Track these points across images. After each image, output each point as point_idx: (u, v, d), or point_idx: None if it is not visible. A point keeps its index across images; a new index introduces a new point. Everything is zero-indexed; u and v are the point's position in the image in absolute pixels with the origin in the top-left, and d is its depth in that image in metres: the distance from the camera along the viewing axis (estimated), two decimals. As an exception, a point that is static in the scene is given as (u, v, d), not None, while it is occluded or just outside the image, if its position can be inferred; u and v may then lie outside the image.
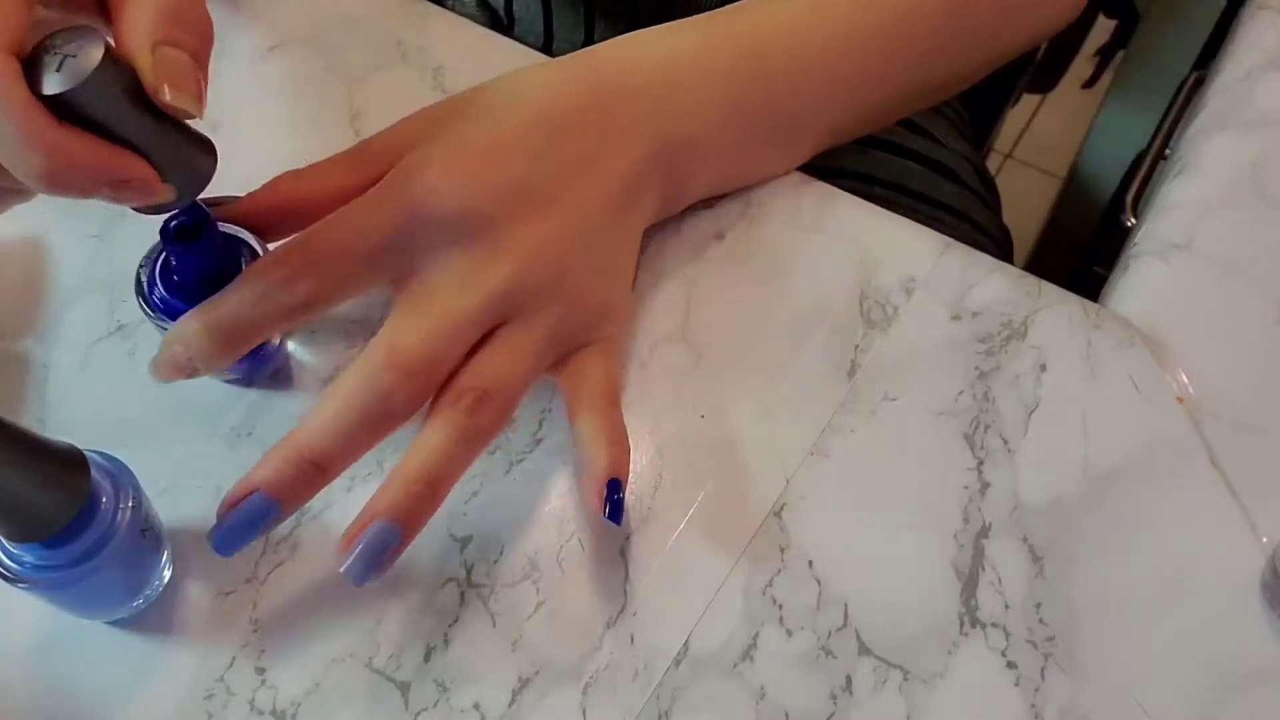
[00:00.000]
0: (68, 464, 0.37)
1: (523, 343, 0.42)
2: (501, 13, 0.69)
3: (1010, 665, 0.42)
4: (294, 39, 0.57)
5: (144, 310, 0.42)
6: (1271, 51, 0.57)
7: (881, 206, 0.52)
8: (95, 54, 0.33)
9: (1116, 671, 0.42)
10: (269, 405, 0.47)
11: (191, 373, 0.41)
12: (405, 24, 0.57)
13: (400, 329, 0.41)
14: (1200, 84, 0.60)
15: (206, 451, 0.46)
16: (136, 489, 0.39)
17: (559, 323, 0.43)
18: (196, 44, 0.34)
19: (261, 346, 0.43)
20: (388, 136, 0.45)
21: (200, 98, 0.34)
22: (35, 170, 0.33)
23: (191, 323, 0.41)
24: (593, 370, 0.44)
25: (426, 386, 0.40)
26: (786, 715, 0.41)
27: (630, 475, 0.46)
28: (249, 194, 0.43)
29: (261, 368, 0.47)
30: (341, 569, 0.39)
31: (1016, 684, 0.42)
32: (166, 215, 0.39)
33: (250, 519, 0.39)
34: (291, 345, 0.48)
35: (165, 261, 0.42)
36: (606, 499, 0.41)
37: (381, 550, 0.39)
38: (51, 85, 0.33)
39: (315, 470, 0.39)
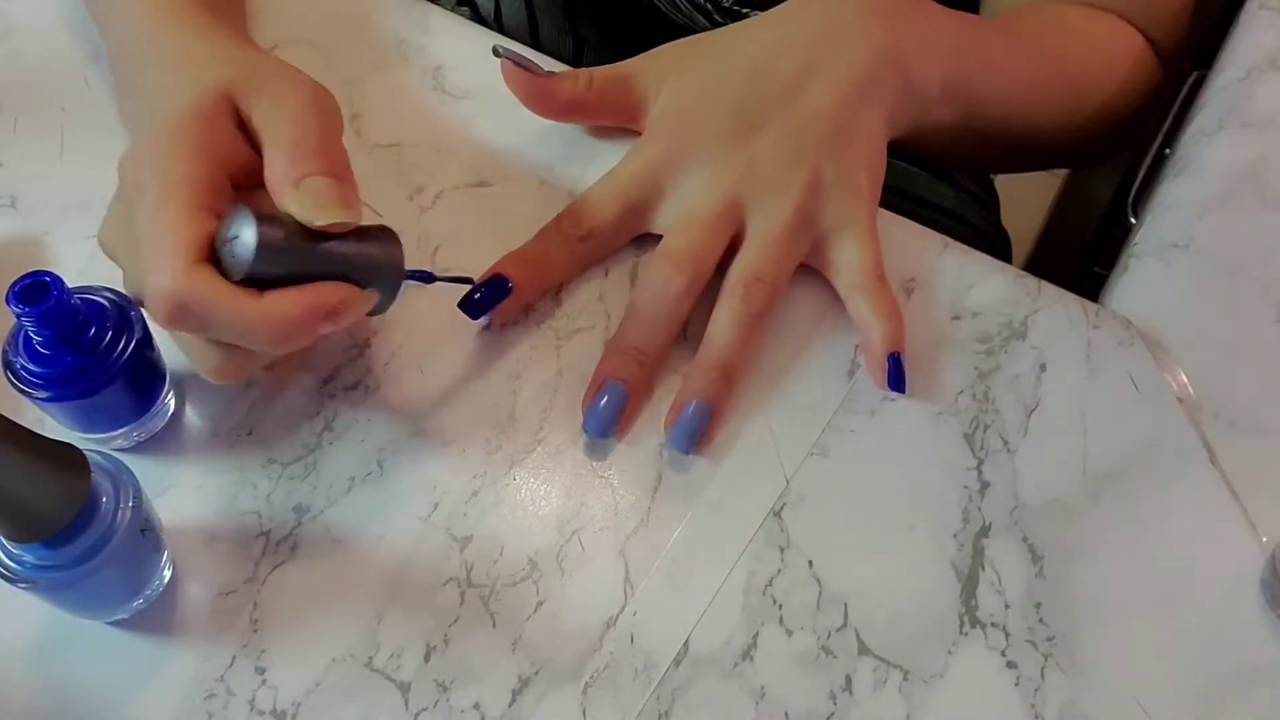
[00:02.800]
0: (68, 464, 0.37)
1: (769, 232, 0.47)
2: (491, 20, 0.69)
3: (1010, 665, 0.42)
4: (294, 39, 0.57)
5: (14, 386, 0.41)
6: (1271, 51, 0.57)
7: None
8: (250, 227, 0.37)
9: (1116, 671, 0.42)
10: (269, 405, 0.47)
11: None
12: (405, 24, 0.57)
13: (667, 241, 0.48)
14: (1200, 84, 0.60)
15: (206, 451, 0.46)
16: (136, 489, 0.39)
17: (798, 211, 0.47)
18: (325, 164, 0.40)
19: None
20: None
21: (346, 203, 0.39)
22: (262, 342, 0.39)
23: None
24: (850, 253, 0.48)
25: (697, 275, 0.47)
26: (786, 715, 0.41)
27: (631, 475, 0.46)
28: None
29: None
30: (668, 442, 0.46)
31: (1016, 684, 0.42)
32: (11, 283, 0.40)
33: (613, 401, 0.46)
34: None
35: (24, 333, 0.42)
36: (889, 371, 0.47)
37: (699, 424, 0.46)
38: (236, 271, 0.38)
39: (642, 357, 0.47)
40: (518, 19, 0.69)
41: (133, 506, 0.39)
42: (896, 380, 0.47)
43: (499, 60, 0.50)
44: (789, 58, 0.49)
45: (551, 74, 0.51)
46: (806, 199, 0.47)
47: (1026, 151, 0.60)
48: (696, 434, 0.46)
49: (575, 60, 0.68)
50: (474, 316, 0.47)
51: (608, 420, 0.46)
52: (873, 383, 0.48)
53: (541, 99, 0.51)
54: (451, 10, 0.63)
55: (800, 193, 0.47)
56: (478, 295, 0.47)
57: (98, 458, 0.39)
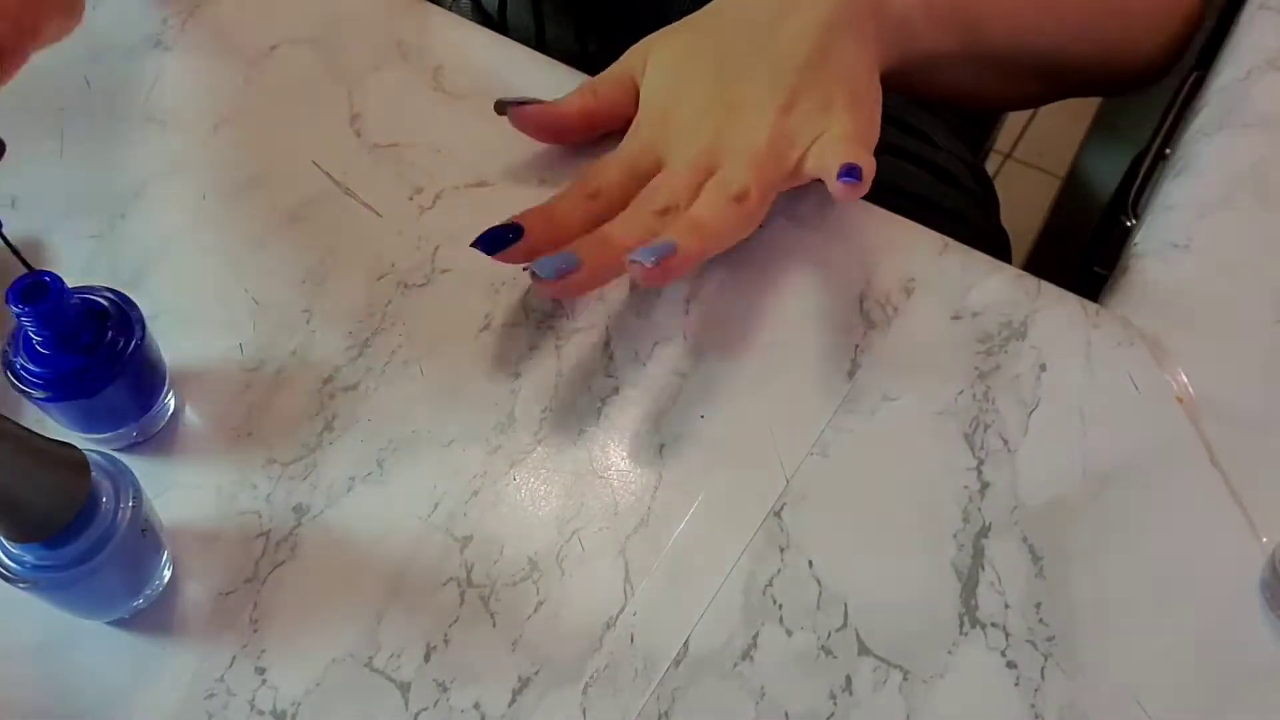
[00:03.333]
0: (68, 464, 0.37)
1: (746, 151, 0.47)
2: (494, 15, 0.69)
3: (1010, 665, 0.42)
4: (294, 39, 0.57)
5: (14, 386, 0.42)
6: (1271, 51, 0.57)
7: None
8: None
9: (1116, 671, 0.42)
10: (269, 405, 0.47)
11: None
12: (405, 24, 0.57)
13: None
14: (1200, 84, 0.60)
15: (206, 451, 0.46)
16: (136, 489, 0.39)
17: (774, 130, 0.48)
18: None
19: None
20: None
21: None
22: None
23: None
24: (832, 150, 0.46)
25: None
26: (786, 715, 0.41)
27: (631, 475, 0.46)
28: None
29: None
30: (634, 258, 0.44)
31: (1016, 684, 0.42)
32: (14, 280, 0.40)
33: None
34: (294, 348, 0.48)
35: (24, 333, 0.41)
36: (841, 172, 0.45)
37: (663, 252, 0.44)
38: None
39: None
40: (522, 19, 0.69)
41: (133, 506, 0.39)
42: (851, 173, 0.45)
43: (506, 114, 0.51)
44: (761, 6, 0.50)
45: (557, 101, 0.51)
46: (781, 120, 0.48)
47: (1052, 78, 0.60)
48: (659, 255, 0.44)
49: (580, 58, 0.68)
50: (485, 251, 0.47)
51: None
52: (864, 388, 0.48)
53: (557, 127, 0.52)
54: (451, 8, 0.63)
55: (775, 114, 0.48)
56: (491, 233, 0.47)
57: (98, 458, 0.39)
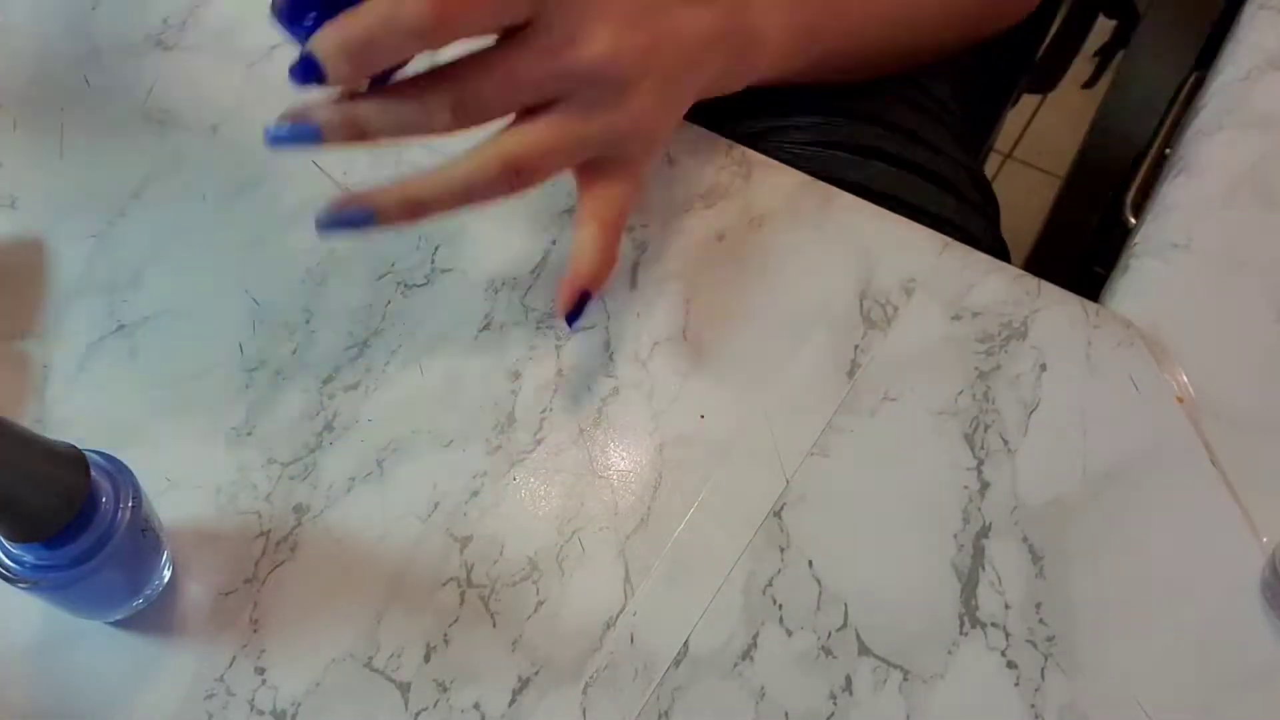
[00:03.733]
0: (68, 464, 0.37)
1: (574, 124, 0.44)
2: None
3: (1010, 665, 0.42)
4: (294, 39, 0.57)
5: (285, 32, 0.42)
6: (1271, 51, 0.57)
7: (881, 208, 0.52)
8: None
9: (1116, 671, 0.42)
10: (269, 405, 0.47)
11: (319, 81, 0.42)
12: (405, 24, 0.57)
13: (503, 56, 0.43)
14: (1200, 84, 0.60)
15: (206, 451, 0.46)
16: (136, 489, 0.39)
17: (612, 124, 0.44)
18: None
19: None
20: None
21: None
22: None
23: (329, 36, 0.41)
24: (617, 188, 0.46)
25: (462, 106, 0.43)
26: (786, 715, 0.41)
27: (631, 475, 0.46)
28: None
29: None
30: None
31: (1016, 684, 0.42)
32: None
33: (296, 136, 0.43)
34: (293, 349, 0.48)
35: None
36: (575, 303, 0.45)
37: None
38: None
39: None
40: None
41: (133, 507, 0.39)
42: (574, 317, 0.45)
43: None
44: None
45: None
46: (626, 117, 0.45)
47: (912, 56, 0.60)
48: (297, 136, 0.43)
49: None
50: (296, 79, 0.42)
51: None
52: (864, 388, 0.48)
53: None
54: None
55: (626, 109, 0.45)
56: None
57: (98, 458, 0.39)
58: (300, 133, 0.43)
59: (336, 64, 0.41)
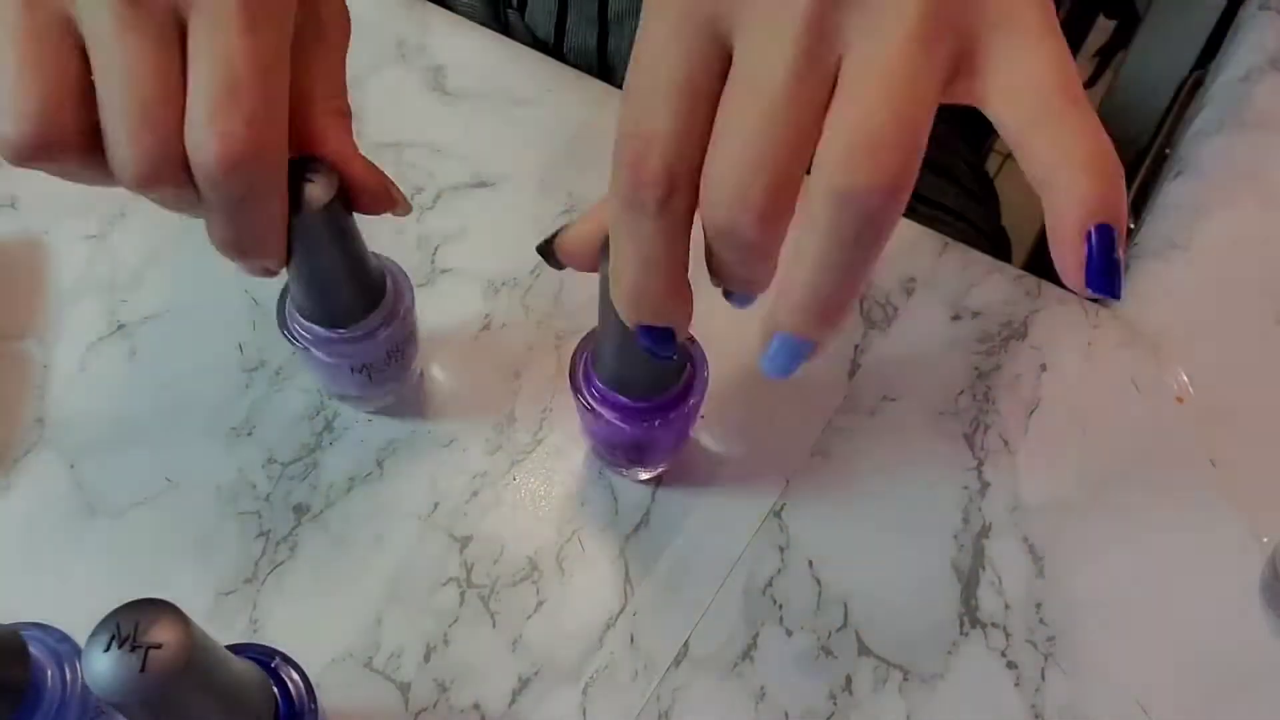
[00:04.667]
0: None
1: (865, 59, 0.27)
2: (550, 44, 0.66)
3: (1010, 665, 0.42)
4: (294, 39, 0.57)
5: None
6: (1271, 51, 0.57)
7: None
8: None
9: (1116, 671, 0.42)
10: (269, 405, 0.47)
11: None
12: (405, 24, 0.57)
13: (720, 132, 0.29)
14: (1200, 84, 0.60)
15: (206, 451, 0.46)
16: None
17: (926, 11, 0.27)
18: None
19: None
20: None
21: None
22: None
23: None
24: (1025, 61, 0.27)
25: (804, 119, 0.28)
26: (786, 715, 0.41)
27: (630, 475, 0.46)
28: None
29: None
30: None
31: (1016, 684, 0.42)
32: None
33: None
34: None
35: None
36: (1089, 255, 0.28)
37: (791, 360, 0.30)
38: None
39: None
40: (582, 40, 0.64)
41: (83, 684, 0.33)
42: (1100, 271, 0.28)
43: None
44: None
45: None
46: None
47: None
48: (789, 370, 0.30)
49: (599, 55, 0.66)
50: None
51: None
52: (864, 388, 0.48)
53: None
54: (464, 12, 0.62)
55: None
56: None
57: (37, 634, 0.34)
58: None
59: (680, 319, 0.32)
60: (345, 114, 0.39)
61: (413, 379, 0.47)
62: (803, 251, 0.28)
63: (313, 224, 0.35)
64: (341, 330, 0.40)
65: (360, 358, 0.41)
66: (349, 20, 0.40)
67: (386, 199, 0.37)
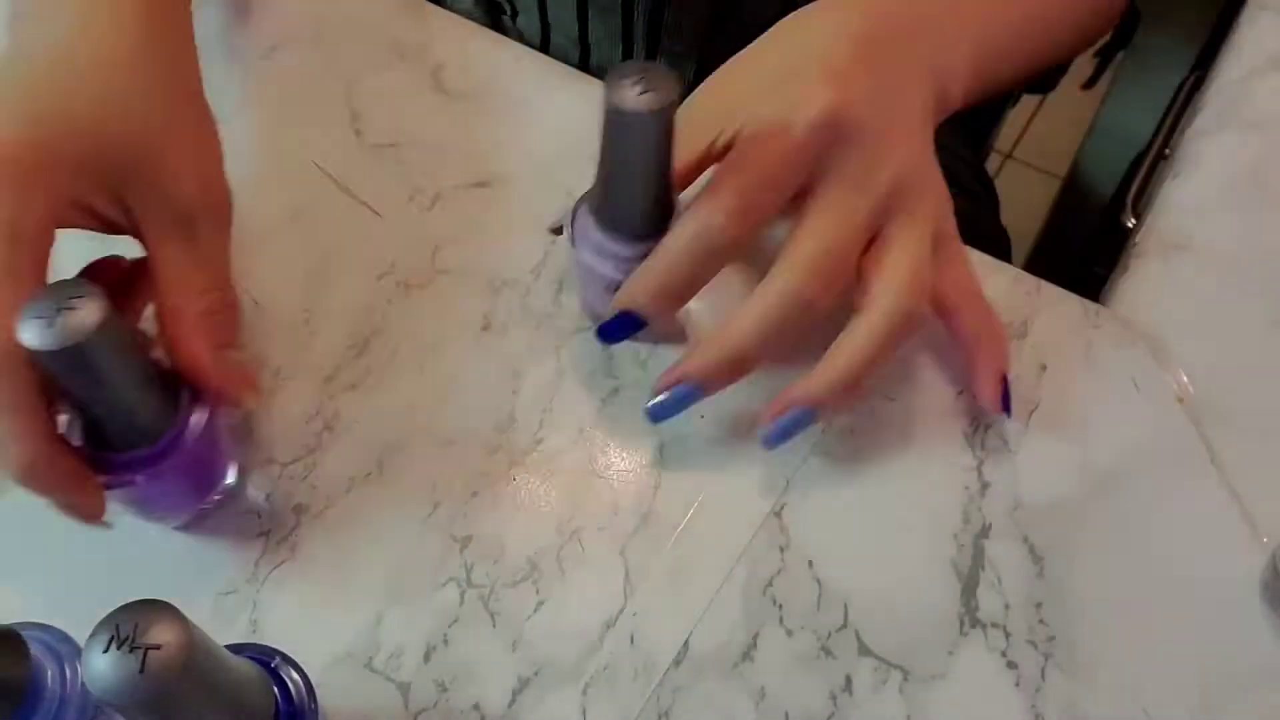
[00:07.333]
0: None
1: (914, 235, 0.43)
2: (504, 1, 0.67)
3: (1010, 665, 0.42)
4: (294, 39, 0.57)
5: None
6: (1271, 51, 0.57)
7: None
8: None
9: (1116, 671, 0.42)
10: (269, 405, 0.47)
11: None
12: (404, 24, 0.57)
13: (808, 234, 0.42)
14: (1200, 84, 0.60)
15: (206, 451, 0.46)
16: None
17: (936, 215, 0.44)
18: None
19: None
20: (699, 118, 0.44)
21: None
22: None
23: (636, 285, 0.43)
24: (960, 270, 0.46)
25: (836, 283, 0.43)
26: (786, 715, 0.41)
27: (630, 475, 0.46)
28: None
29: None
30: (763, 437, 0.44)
31: (1016, 684, 0.42)
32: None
33: (678, 401, 0.44)
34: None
35: None
36: (1002, 393, 0.45)
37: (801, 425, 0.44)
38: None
39: (738, 365, 0.43)
40: (531, 20, 0.67)
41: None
42: (1009, 402, 0.46)
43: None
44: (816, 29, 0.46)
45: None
46: (939, 203, 0.45)
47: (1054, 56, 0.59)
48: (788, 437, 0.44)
49: (582, 61, 0.67)
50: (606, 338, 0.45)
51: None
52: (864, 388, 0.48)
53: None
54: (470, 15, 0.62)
55: (934, 198, 0.45)
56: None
57: (37, 633, 0.35)
58: (684, 395, 0.44)
59: (656, 308, 0.43)
60: (221, 308, 0.41)
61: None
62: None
63: (85, 351, 0.33)
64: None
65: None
66: (227, 200, 0.43)
67: (236, 400, 0.41)
